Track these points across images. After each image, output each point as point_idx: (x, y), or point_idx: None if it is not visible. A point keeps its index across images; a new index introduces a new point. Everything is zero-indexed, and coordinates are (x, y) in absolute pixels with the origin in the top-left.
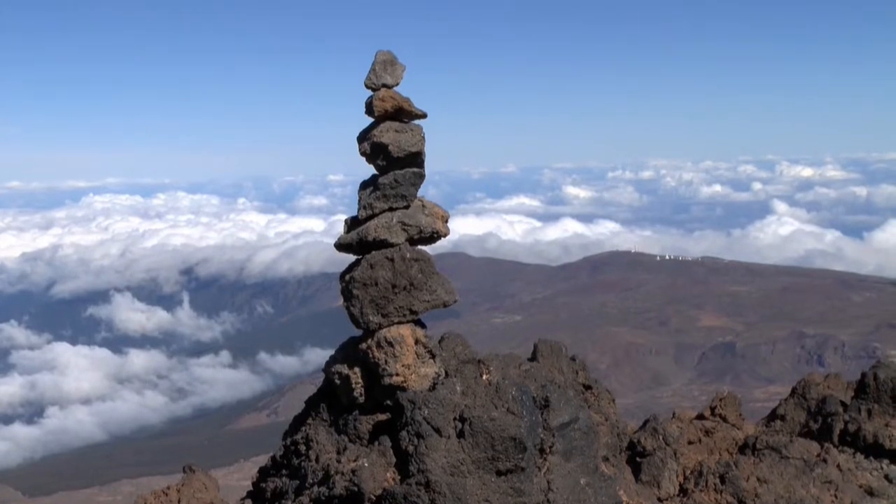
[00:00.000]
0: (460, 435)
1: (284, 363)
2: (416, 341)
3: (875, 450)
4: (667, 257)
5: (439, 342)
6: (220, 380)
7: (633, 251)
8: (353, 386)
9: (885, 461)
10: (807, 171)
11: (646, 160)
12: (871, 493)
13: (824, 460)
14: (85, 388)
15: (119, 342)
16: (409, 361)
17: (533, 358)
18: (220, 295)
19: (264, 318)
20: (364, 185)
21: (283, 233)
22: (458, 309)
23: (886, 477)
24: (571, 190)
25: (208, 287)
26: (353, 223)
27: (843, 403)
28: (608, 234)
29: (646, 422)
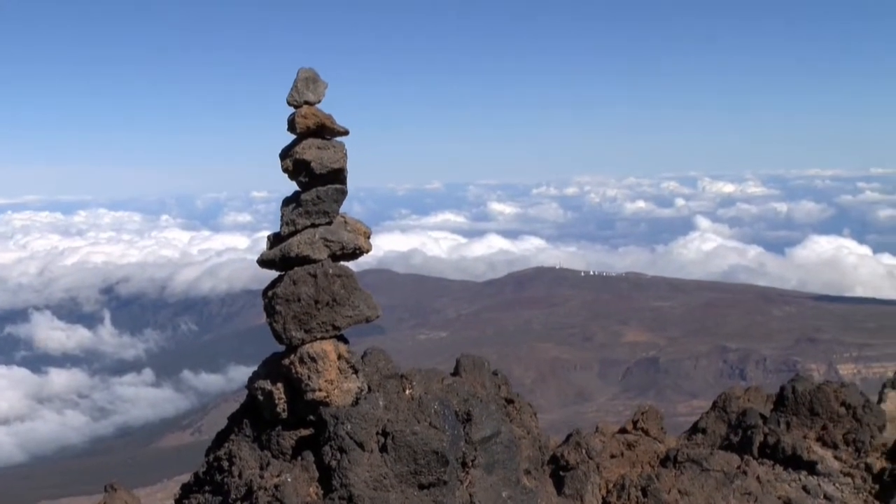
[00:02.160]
0: (383, 449)
1: (209, 381)
2: (339, 357)
3: (793, 461)
4: (591, 273)
5: (362, 357)
6: (143, 398)
7: (557, 267)
8: (276, 401)
9: (804, 472)
10: (728, 188)
11: (570, 177)
12: (789, 503)
13: (744, 472)
14: (3, 408)
15: (39, 361)
16: (331, 377)
17: (455, 373)
18: (143, 313)
19: (188, 335)
20: (286, 202)
21: (206, 250)
22: (384, 325)
23: (804, 488)
24: (496, 206)
25: (130, 305)
26: (275, 239)
27: (762, 416)
28: (533, 251)
29: (569, 436)
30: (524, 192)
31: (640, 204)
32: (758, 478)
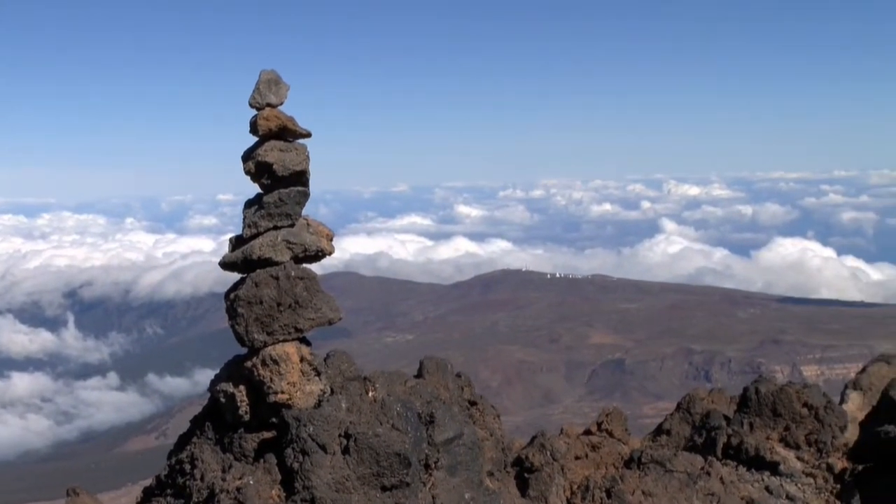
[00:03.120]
0: (345, 451)
1: (174, 384)
2: (302, 359)
3: (756, 462)
4: (557, 275)
5: (325, 360)
6: (107, 402)
7: (524, 269)
8: (239, 404)
9: (766, 473)
10: (694, 190)
11: (536, 179)
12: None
13: (707, 473)
14: None
15: (1, 365)
16: (294, 379)
17: (419, 375)
18: (107, 316)
19: (153, 339)
20: (249, 204)
21: (171, 253)
22: (350, 328)
23: (767, 488)
24: (463, 209)
25: (94, 308)
26: (237, 242)
27: (726, 417)
28: (499, 253)
29: (533, 438)
30: (490, 194)
31: (606, 206)
32: (721, 479)
